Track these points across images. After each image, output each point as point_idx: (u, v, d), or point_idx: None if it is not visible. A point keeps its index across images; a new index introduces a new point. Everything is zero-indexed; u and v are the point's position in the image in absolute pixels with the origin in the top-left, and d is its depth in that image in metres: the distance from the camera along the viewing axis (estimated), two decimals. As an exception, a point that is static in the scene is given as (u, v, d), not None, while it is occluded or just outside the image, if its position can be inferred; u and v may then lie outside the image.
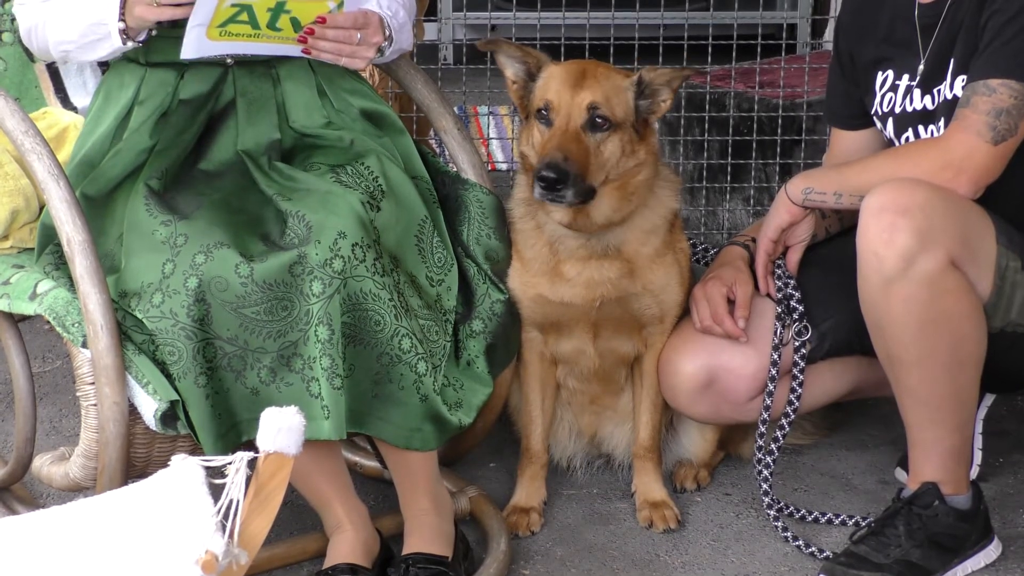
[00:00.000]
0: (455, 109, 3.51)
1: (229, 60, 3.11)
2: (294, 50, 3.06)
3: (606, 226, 3.18)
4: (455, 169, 3.34)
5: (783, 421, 3.28)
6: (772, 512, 3.30)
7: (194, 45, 2.99)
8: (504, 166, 5.36)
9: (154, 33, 3.03)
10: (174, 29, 2.99)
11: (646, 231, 3.23)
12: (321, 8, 3.01)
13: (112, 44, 3.02)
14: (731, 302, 3.24)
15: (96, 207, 3.01)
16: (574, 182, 3.05)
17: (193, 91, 3.10)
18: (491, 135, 5.45)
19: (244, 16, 2.97)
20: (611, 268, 3.22)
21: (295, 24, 3.01)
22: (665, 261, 3.26)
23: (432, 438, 3.00)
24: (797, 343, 3.25)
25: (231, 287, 2.86)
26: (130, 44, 3.02)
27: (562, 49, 4.70)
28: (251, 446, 2.16)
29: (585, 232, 3.19)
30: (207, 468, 2.14)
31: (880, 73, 3.24)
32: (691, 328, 3.28)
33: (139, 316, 2.87)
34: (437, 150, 4.61)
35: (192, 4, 2.91)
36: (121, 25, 2.99)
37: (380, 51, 3.17)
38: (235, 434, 2.90)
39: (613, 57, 4.72)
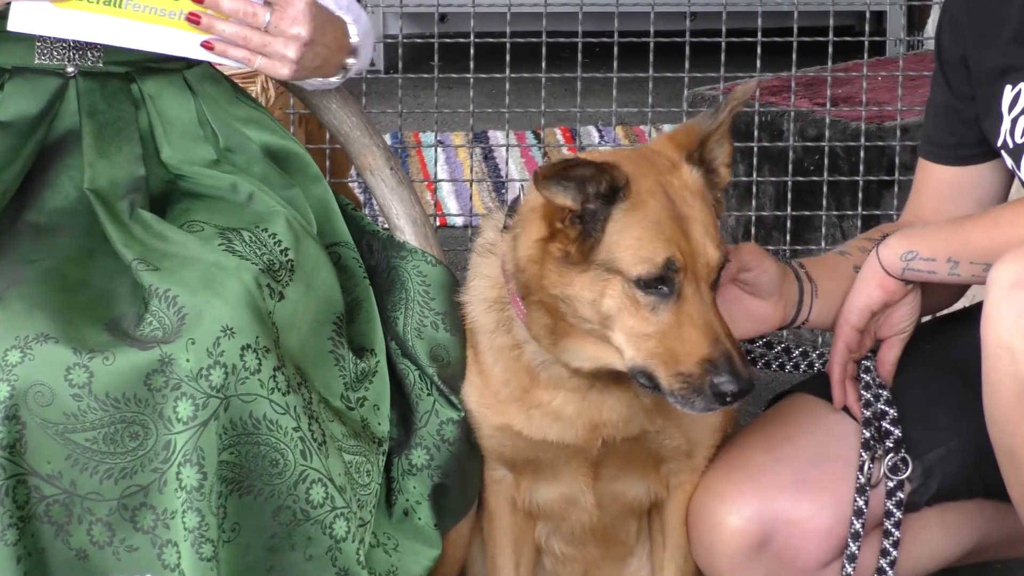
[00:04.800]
0: (387, 138, 3.52)
1: (71, 69, 3.12)
2: (187, 42, 3.06)
3: None
4: (386, 227, 3.36)
5: (872, 597, 3.30)
6: None
7: (28, 10, 2.99)
8: (459, 220, 5.39)
9: None
10: None
11: None
12: None
13: None
14: None
15: None
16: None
17: (17, 110, 3.14)
18: (440, 175, 5.46)
19: None
20: (620, 402, 3.19)
21: None
22: None
23: (353, 631, 3.03)
24: (892, 483, 3.26)
25: (57, 401, 2.87)
26: None
27: (543, 50, 4.72)
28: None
29: None
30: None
31: (1009, 87, 3.28)
32: (736, 461, 3.30)
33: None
34: (361, 199, 4.62)
35: None
36: None
37: (344, 68, 3.21)
38: (53, 617, 2.93)
39: (618, 61, 4.75)
